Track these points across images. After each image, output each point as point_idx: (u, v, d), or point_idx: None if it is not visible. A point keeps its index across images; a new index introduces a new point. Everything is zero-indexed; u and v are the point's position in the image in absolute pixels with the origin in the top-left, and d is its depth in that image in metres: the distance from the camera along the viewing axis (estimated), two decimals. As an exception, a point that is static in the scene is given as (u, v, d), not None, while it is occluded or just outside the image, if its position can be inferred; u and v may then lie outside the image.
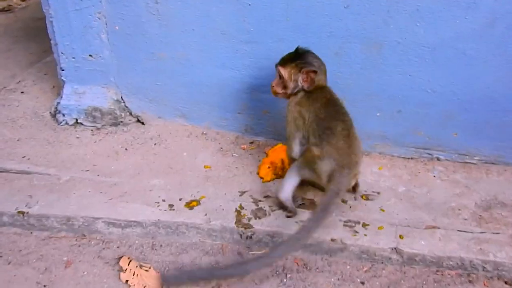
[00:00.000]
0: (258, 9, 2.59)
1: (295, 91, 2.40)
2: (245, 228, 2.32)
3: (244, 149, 2.92)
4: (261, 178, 2.66)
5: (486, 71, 2.47)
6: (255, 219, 2.37)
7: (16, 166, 2.72)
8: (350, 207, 2.46)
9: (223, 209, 2.43)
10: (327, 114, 2.31)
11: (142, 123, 3.09)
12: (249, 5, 2.59)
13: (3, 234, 2.48)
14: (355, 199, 2.51)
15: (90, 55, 2.94)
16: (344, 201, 2.48)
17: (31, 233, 2.48)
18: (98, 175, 2.67)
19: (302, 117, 2.35)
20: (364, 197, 2.52)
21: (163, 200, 2.50)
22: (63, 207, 2.46)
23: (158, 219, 2.38)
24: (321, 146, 2.24)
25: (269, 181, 2.64)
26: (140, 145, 2.94)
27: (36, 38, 4.74)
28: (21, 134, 2.99)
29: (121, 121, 3.07)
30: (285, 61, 2.39)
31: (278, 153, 2.76)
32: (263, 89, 2.80)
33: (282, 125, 2.82)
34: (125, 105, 3.06)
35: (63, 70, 3.02)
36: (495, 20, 2.35)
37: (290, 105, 2.42)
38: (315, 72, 2.33)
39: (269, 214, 2.39)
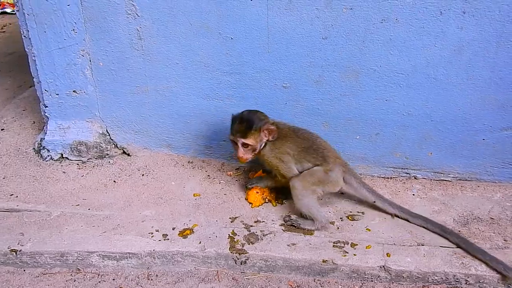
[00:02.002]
0: (240, 42, 2.71)
1: (263, 146, 2.63)
2: (239, 254, 2.39)
3: (230, 175, 3.00)
4: (250, 203, 2.74)
5: (457, 94, 2.65)
6: (248, 244, 2.44)
7: (4, 205, 2.72)
8: (338, 228, 2.56)
9: (216, 236, 2.49)
10: (303, 140, 2.62)
11: (128, 155, 3.14)
12: (231, 38, 2.71)
13: (-5, 273, 2.46)
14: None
15: (74, 91, 2.98)
16: (331, 222, 2.58)
17: (24, 270, 2.48)
18: (88, 209, 2.70)
19: (287, 153, 2.59)
20: (350, 217, 2.64)
21: (157, 230, 2.54)
22: (56, 243, 2.48)
23: (153, 250, 2.42)
24: (324, 161, 2.55)
25: (258, 206, 2.72)
26: (128, 176, 2.98)
27: (9, 73, 4.74)
28: (6, 172, 2.99)
29: (107, 154, 3.11)
30: (243, 133, 2.58)
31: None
32: (246, 117, 2.90)
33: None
34: (110, 138, 3.10)
35: (46, 106, 3.05)
36: (462, 47, 2.54)
37: (268, 155, 2.64)
38: (272, 123, 2.60)
39: (261, 239, 2.47)
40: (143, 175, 2.99)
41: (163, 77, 2.88)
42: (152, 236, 2.51)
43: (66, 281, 2.42)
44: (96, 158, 3.10)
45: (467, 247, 2.39)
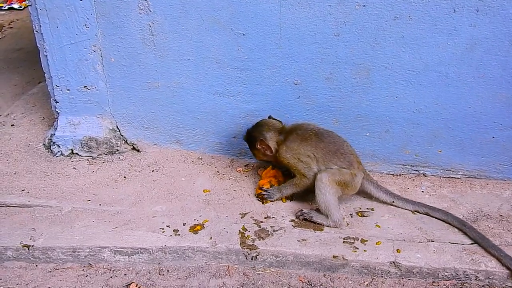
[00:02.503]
0: (251, 38, 2.71)
1: (275, 151, 2.71)
2: (250, 249, 2.40)
3: (240, 172, 3.01)
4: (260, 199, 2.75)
5: (468, 92, 2.66)
6: (259, 240, 2.45)
7: (16, 200, 2.74)
8: (348, 224, 2.57)
9: (227, 232, 2.50)
10: (329, 143, 2.63)
11: (138, 151, 3.15)
12: (243, 34, 2.71)
13: (7, 268, 2.49)
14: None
15: (85, 86, 3.00)
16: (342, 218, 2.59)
17: (37, 266, 2.50)
18: (100, 205, 2.71)
19: (306, 156, 2.62)
20: (359, 214, 2.64)
21: (168, 226, 2.55)
22: (68, 238, 2.49)
23: (165, 245, 2.44)
24: (351, 166, 2.60)
25: (268, 202, 2.73)
26: (138, 172, 2.99)
27: (18, 69, 4.75)
28: (17, 168, 3.01)
29: (117, 150, 3.12)
30: (250, 148, 2.82)
31: (273, 174, 2.85)
32: (256, 114, 2.92)
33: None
34: (120, 134, 3.11)
35: (57, 102, 3.06)
36: (474, 45, 2.54)
37: (283, 156, 2.68)
38: (262, 141, 2.69)
39: (272, 234, 2.48)
40: (153, 171, 3.01)
41: (174, 73, 2.89)
42: (163, 232, 2.52)
43: (78, 276, 2.44)
44: (106, 154, 3.11)
45: (484, 243, 2.40)
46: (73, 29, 2.83)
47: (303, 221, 2.59)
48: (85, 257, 2.48)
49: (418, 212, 2.64)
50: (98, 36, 2.84)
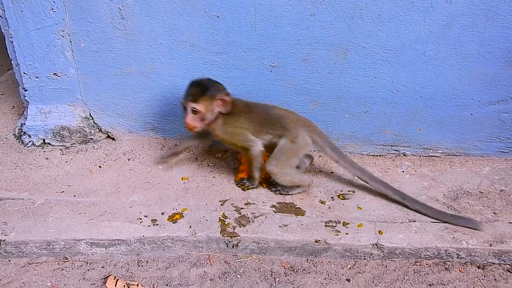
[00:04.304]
0: (226, 20, 2.63)
1: (214, 117, 2.54)
2: (231, 237, 2.36)
3: (218, 158, 2.96)
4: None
5: (446, 69, 2.64)
6: (240, 227, 2.41)
7: (-15, 193, 2.63)
8: (329, 207, 2.55)
9: (206, 220, 2.45)
10: (258, 114, 2.59)
11: (113, 139, 3.07)
12: (217, 17, 2.63)
13: (-21, 264, 2.40)
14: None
15: (54, 73, 2.88)
16: (322, 202, 2.57)
17: (9, 261, 2.41)
18: (74, 196, 2.63)
19: (241, 127, 2.56)
20: (341, 196, 2.62)
21: (145, 216, 2.49)
22: (41, 232, 2.41)
23: (143, 236, 2.38)
24: (285, 130, 2.54)
25: (249, 189, 2.68)
26: (113, 161, 2.91)
27: (-15, 56, 4.57)
28: (-10, 160, 2.90)
29: (91, 138, 3.03)
30: (196, 97, 2.49)
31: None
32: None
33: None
34: (94, 122, 3.02)
35: (26, 90, 2.94)
36: (450, 22, 2.51)
37: (218, 130, 2.59)
38: (228, 94, 2.52)
39: (253, 221, 2.44)
40: (129, 159, 2.93)
41: (147, 58, 2.79)
42: (141, 222, 2.45)
43: (54, 270, 2.36)
44: (79, 143, 3.02)
45: (429, 213, 2.47)
46: (39, 13, 2.70)
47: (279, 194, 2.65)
48: (60, 250, 2.40)
49: (359, 178, 2.64)
50: (66, 20, 2.72)
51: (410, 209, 2.51)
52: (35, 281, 2.30)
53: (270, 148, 2.62)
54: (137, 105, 2.96)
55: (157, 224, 2.44)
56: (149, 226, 2.43)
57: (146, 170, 2.84)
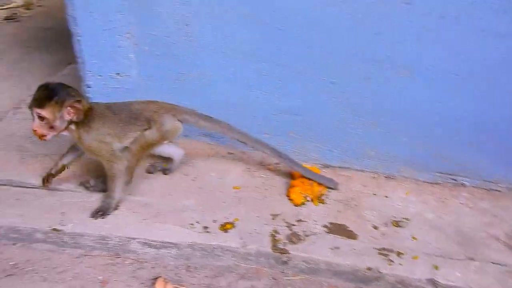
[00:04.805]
0: (288, 33, 2.62)
1: (65, 126, 2.40)
2: (281, 253, 2.35)
3: (271, 170, 2.95)
4: (292, 200, 2.69)
5: (512, 98, 2.53)
6: (290, 244, 2.39)
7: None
8: (383, 234, 2.49)
9: (257, 233, 2.45)
10: (119, 113, 2.52)
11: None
12: (280, 29, 2.62)
13: (36, 250, 2.49)
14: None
15: (117, 73, 2.95)
16: (375, 227, 2.52)
17: (64, 250, 2.49)
18: (129, 194, 2.68)
19: (108, 134, 2.46)
20: (395, 223, 2.56)
21: (197, 222, 2.52)
22: (97, 226, 2.48)
23: (194, 241, 2.40)
24: (149, 121, 2.54)
25: (299, 204, 2.67)
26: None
27: (48, 49, 4.74)
28: (49, 150, 2.98)
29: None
30: (41, 102, 2.30)
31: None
32: (290, 111, 2.85)
33: (307, 146, 2.89)
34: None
35: (89, 87, 3.02)
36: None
37: (86, 139, 2.45)
38: (79, 101, 2.36)
39: (304, 239, 2.42)
40: (182, 163, 2.96)
41: (207, 65, 2.82)
42: (192, 227, 2.48)
43: (106, 264, 2.42)
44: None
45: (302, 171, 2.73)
46: (107, 15, 2.76)
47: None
48: (113, 246, 2.46)
49: (238, 140, 2.71)
50: (132, 23, 2.78)
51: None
52: (88, 273, 2.37)
53: None
54: (194, 110, 2.98)
55: (208, 232, 2.46)
56: (200, 232, 2.45)
57: (199, 175, 2.87)
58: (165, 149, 2.80)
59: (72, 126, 2.43)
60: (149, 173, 2.87)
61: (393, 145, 2.78)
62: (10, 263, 2.41)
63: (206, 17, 2.67)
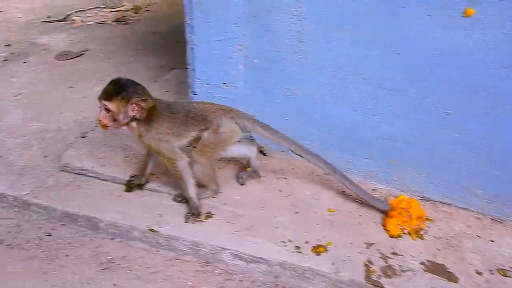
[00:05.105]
0: (406, 58, 2.54)
1: (127, 121, 2.47)
2: (375, 286, 2.25)
3: (366, 195, 2.85)
4: (388, 231, 2.57)
5: None
6: (385, 277, 2.29)
7: (149, 185, 2.83)
8: (487, 281, 2.31)
9: (351, 260, 2.37)
10: (178, 113, 2.55)
11: (264, 154, 3.12)
12: (398, 53, 2.54)
13: (132, 248, 2.58)
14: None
15: (224, 83, 3.00)
16: (479, 273, 2.34)
17: (158, 251, 2.55)
18: (224, 204, 2.71)
19: (166, 133, 2.51)
20: (501, 272, 2.37)
21: (289, 241, 2.48)
22: (191, 232, 2.52)
23: (285, 260, 2.37)
24: (207, 122, 2.56)
25: (395, 236, 2.55)
26: (263, 177, 2.95)
27: (153, 52, 4.97)
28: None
29: (245, 150, 3.11)
30: (109, 95, 2.41)
31: (405, 206, 2.66)
32: (395, 137, 2.75)
33: (408, 176, 2.77)
34: (250, 135, 3.09)
35: (195, 94, 3.10)
36: None
37: (145, 136, 2.51)
38: (144, 100, 2.42)
39: (399, 275, 2.31)
40: (277, 178, 2.95)
41: (316, 83, 2.79)
42: (284, 246, 2.45)
43: (196, 271, 2.45)
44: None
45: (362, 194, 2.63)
46: (223, 26, 2.83)
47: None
48: (205, 253, 2.49)
49: (293, 152, 2.66)
50: (246, 36, 2.82)
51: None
52: (178, 277, 2.41)
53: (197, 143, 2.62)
54: (295, 127, 2.96)
55: (301, 252, 2.41)
56: (292, 252, 2.41)
57: (293, 192, 2.83)
58: (236, 151, 2.81)
59: (134, 123, 2.52)
60: (242, 185, 2.87)
61: (505, 187, 2.58)
62: (108, 257, 2.52)
63: (321, 35, 2.65)
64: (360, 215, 2.70)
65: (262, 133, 2.68)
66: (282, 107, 2.94)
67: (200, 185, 2.68)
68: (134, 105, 2.43)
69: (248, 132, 2.76)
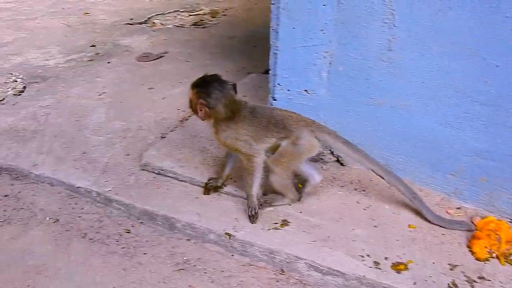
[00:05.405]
0: (506, 71, 2.39)
1: (203, 116, 2.53)
2: (462, 311, 2.12)
3: (449, 214, 2.71)
4: (474, 253, 2.43)
5: None
6: (472, 302, 2.15)
7: (226, 188, 2.85)
8: None
9: (433, 281, 2.26)
10: (260, 118, 2.55)
11: (342, 164, 3.05)
12: (497, 66, 2.40)
13: (207, 250, 2.60)
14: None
15: (305, 90, 2.97)
16: None
17: (233, 256, 2.56)
18: (300, 212, 2.67)
19: (244, 134, 2.53)
20: None
21: (368, 255, 2.40)
22: (267, 239, 2.51)
23: (363, 275, 2.29)
24: (287, 131, 2.53)
25: (482, 259, 2.40)
26: (340, 187, 2.89)
27: (230, 56, 5.01)
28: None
29: (321, 159, 3.06)
30: (192, 84, 2.54)
31: (494, 228, 2.50)
32: (486, 154, 2.60)
33: (497, 196, 2.62)
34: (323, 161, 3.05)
35: (275, 100, 3.08)
36: None
37: (222, 135, 2.57)
38: (207, 107, 2.46)
39: (488, 301, 2.16)
40: (355, 189, 2.87)
41: (403, 93, 2.69)
42: (362, 260, 2.37)
43: (270, 278, 2.43)
44: (310, 160, 3.05)
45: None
46: (309, 32, 2.80)
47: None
48: (280, 261, 2.46)
49: (374, 172, 2.58)
50: (332, 43, 2.77)
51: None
52: (252, 284, 2.40)
53: (274, 150, 2.59)
54: (376, 137, 2.88)
55: (380, 268, 2.33)
56: (370, 267, 2.34)
57: (371, 205, 2.75)
58: (303, 167, 2.72)
59: (212, 120, 2.56)
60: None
61: None
62: (184, 258, 2.55)
63: (413, 44, 2.55)
64: (442, 234, 2.57)
65: (343, 150, 2.61)
66: (364, 116, 2.87)
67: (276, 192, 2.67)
68: (199, 104, 2.50)
69: (328, 147, 2.70)
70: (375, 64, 2.71)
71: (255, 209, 2.60)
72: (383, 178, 2.58)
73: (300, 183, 2.79)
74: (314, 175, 2.74)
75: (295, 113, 2.64)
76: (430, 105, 2.65)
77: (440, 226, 2.56)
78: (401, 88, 2.69)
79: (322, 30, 2.77)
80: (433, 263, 2.37)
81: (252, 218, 2.59)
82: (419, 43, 2.54)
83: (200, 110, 2.52)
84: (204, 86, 2.52)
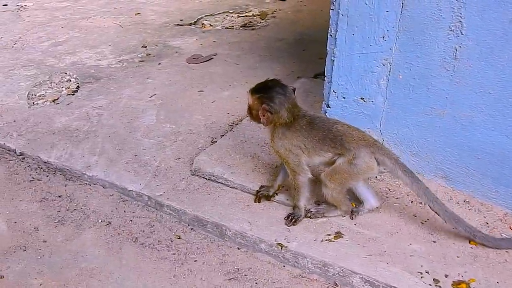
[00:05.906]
0: None
1: (265, 122, 2.50)
2: (530, 337, 2.00)
3: (514, 231, 2.58)
4: (543, 275, 2.30)
5: None
6: (542, 329, 2.03)
7: (278, 197, 2.81)
8: None
9: (498, 303, 2.14)
10: (318, 130, 2.47)
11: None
12: None
13: (258, 260, 2.57)
14: None
15: (362, 98, 2.89)
16: None
17: (284, 266, 2.52)
18: (354, 224, 2.61)
19: (298, 147, 2.48)
20: None
21: (426, 272, 2.32)
22: (320, 251, 2.45)
23: (423, 294, 2.20)
24: (344, 149, 2.43)
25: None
26: (395, 199, 2.80)
27: (279, 59, 4.97)
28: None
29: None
30: (253, 90, 2.51)
31: None
32: (555, 171, 2.44)
33: None
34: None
35: (329, 107, 3.02)
36: None
37: (277, 144, 2.52)
38: (270, 112, 2.42)
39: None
40: (411, 202, 2.77)
41: (467, 104, 2.58)
42: (421, 277, 2.29)
43: (323, 291, 2.38)
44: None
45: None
46: (369, 39, 2.72)
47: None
48: (333, 275, 2.41)
49: (431, 208, 2.44)
50: (393, 50, 2.69)
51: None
52: (305, 297, 2.34)
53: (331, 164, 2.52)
54: (436, 149, 2.77)
55: (439, 286, 2.26)
56: (430, 285, 2.26)
57: (429, 218, 2.65)
58: (361, 188, 2.63)
59: (270, 127, 2.53)
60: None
61: None
62: (235, 267, 2.52)
63: (481, 54, 2.43)
64: (506, 251, 2.44)
65: (402, 178, 2.46)
66: (423, 126, 2.77)
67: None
68: (262, 110, 2.47)
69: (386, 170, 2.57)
70: (438, 73, 2.60)
71: (298, 219, 2.59)
72: (438, 215, 2.44)
73: (354, 202, 2.71)
74: (371, 200, 2.64)
75: (358, 130, 2.54)
76: (496, 117, 2.52)
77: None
78: (465, 98, 2.57)
79: (382, 37, 2.69)
80: (497, 282, 2.26)
81: (290, 222, 2.59)
82: (488, 52, 2.42)
83: (263, 116, 2.48)
84: (266, 91, 2.49)
